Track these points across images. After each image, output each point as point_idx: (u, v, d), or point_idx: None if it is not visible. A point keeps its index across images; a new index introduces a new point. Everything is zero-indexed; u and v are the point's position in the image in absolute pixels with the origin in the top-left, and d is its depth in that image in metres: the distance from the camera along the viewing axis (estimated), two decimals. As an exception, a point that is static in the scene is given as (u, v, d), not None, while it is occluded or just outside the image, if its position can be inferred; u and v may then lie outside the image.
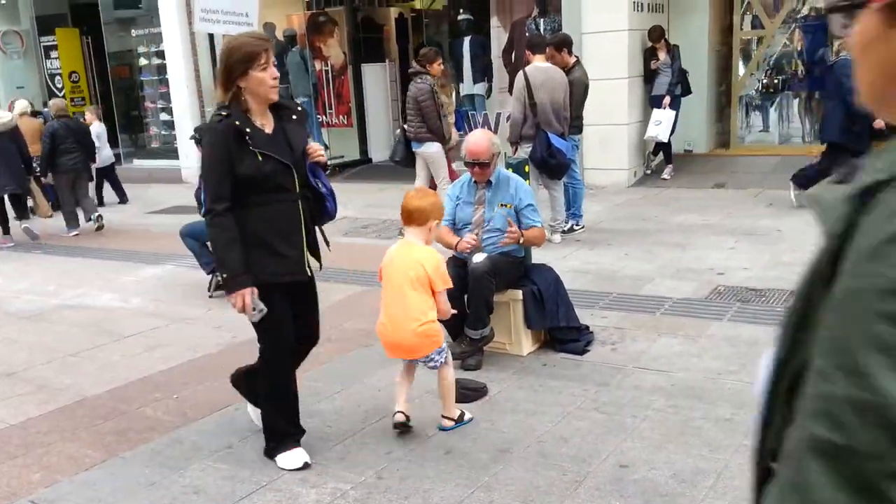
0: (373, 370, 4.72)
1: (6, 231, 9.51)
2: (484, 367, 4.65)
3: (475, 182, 4.85)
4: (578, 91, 7.72)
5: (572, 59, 7.86)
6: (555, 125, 7.29)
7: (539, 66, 7.40)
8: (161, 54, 14.39)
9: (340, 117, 14.26)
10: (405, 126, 7.70)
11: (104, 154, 11.56)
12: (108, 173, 12.00)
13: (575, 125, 7.78)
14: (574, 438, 3.72)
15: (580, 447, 3.64)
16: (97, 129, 11.47)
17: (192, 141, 7.14)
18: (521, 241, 4.69)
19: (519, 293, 4.81)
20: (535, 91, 7.20)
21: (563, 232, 7.65)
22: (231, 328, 5.77)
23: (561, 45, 7.81)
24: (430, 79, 7.70)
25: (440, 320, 4.89)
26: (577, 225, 7.87)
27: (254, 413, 3.98)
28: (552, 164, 7.19)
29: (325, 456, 3.72)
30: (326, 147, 13.63)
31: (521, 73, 7.37)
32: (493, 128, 10.76)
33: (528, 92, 7.20)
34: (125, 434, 4.13)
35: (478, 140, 4.82)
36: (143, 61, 15.07)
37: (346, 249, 7.47)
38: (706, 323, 5.15)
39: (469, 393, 4.24)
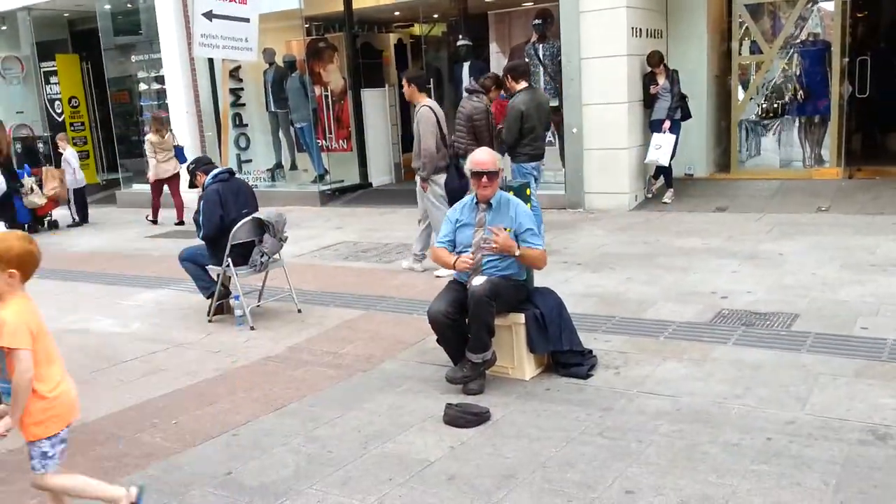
0: (373, 395, 4.67)
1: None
2: (486, 392, 4.59)
3: (477, 203, 4.84)
4: (509, 116, 7.90)
5: (519, 86, 7.99)
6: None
7: (430, 102, 7.71)
8: (161, 79, 14.45)
9: (340, 142, 14.28)
10: (455, 142, 7.76)
11: (78, 177, 12.95)
12: (77, 196, 13.10)
13: (524, 153, 7.93)
14: (579, 464, 3.66)
15: (585, 473, 3.58)
16: (68, 154, 12.95)
17: (188, 170, 6.99)
18: (516, 255, 4.65)
19: (521, 316, 4.77)
20: (442, 124, 7.55)
21: None
22: (229, 353, 5.73)
23: (505, 72, 8.21)
24: (486, 99, 7.90)
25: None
26: None
27: None
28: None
29: (326, 482, 3.66)
30: (326, 172, 13.66)
31: (426, 108, 7.54)
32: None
33: (438, 125, 7.48)
34: (123, 460, 4.06)
35: (483, 153, 4.90)
36: (142, 86, 15.12)
37: (346, 273, 7.44)
38: (711, 346, 5.10)
39: (471, 418, 4.19)
